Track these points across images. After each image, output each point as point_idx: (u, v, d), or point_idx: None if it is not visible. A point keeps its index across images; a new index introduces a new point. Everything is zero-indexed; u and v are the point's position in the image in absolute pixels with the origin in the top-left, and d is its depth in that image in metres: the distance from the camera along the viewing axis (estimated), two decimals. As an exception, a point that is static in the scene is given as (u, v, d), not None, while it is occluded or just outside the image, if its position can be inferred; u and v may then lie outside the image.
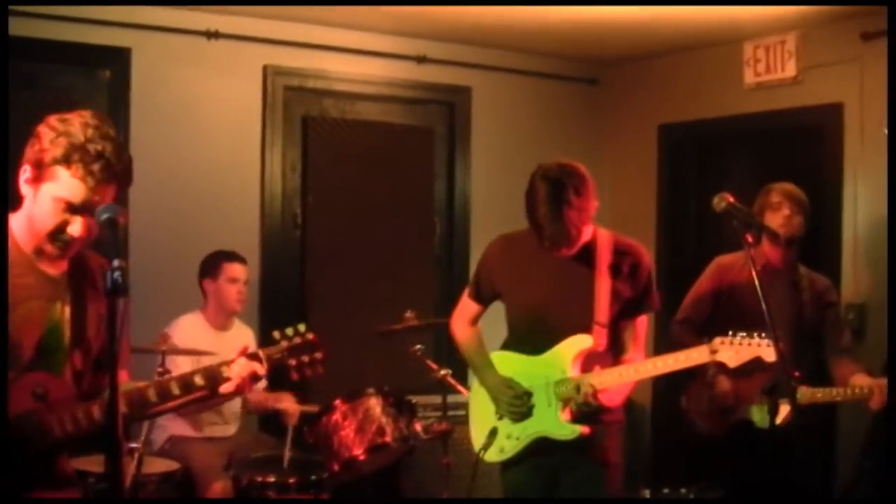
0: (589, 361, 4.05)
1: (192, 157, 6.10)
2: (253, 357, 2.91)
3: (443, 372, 5.16)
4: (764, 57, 6.34)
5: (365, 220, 6.64)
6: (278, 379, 3.04)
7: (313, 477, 4.95)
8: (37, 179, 2.65)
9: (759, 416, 4.68)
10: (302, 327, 3.02)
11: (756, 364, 4.52)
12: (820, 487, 5.62)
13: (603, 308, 4.02)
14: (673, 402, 5.27)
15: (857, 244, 5.96)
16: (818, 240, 5.99)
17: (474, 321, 4.39)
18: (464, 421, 5.65)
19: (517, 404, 4.08)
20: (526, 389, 4.09)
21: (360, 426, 4.90)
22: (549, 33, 6.55)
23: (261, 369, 2.89)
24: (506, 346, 4.29)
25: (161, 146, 5.95)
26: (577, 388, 3.94)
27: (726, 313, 4.76)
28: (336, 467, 4.89)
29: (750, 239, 4.23)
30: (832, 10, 5.73)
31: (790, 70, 6.21)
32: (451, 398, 5.27)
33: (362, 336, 5.80)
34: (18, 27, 5.60)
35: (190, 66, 6.16)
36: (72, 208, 2.62)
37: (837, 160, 6.03)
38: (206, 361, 5.19)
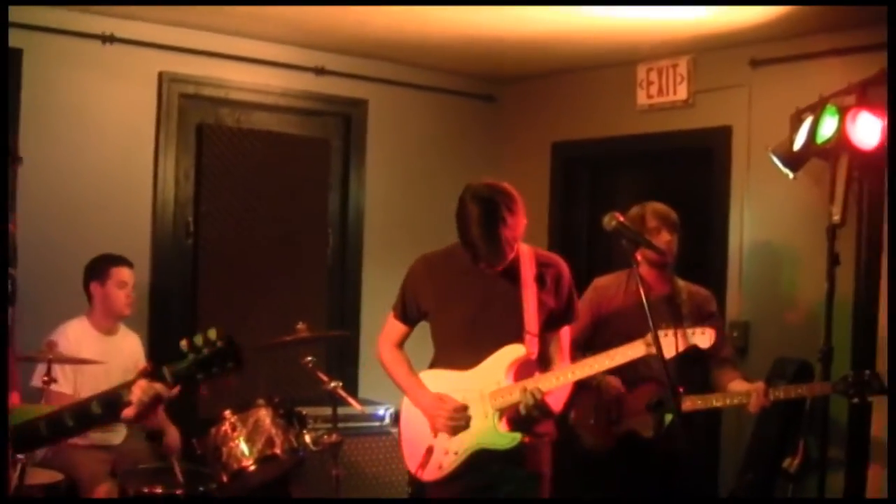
0: (522, 371, 4.08)
1: (84, 162, 6.01)
2: (155, 376, 2.66)
3: (333, 384, 5.15)
4: (657, 79, 6.48)
5: (258, 231, 6.61)
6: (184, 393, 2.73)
7: (202, 488, 4.90)
8: None
9: (643, 427, 4.77)
10: (213, 334, 2.72)
11: (639, 375, 4.66)
12: (704, 499, 5.74)
13: (532, 317, 4.07)
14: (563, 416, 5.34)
15: (742, 263, 6.12)
16: (704, 259, 6.15)
17: (401, 343, 4.38)
18: (354, 433, 5.71)
19: (456, 417, 4.09)
20: (461, 403, 4.10)
21: (250, 437, 4.87)
22: (448, 49, 6.61)
23: (165, 390, 2.64)
24: (433, 365, 4.28)
25: (52, 150, 5.85)
26: (523, 393, 3.96)
27: (605, 334, 4.82)
28: (225, 478, 4.85)
29: (639, 258, 4.32)
30: (724, 37, 5.88)
31: (682, 93, 6.36)
32: (341, 410, 5.27)
33: (253, 347, 5.74)
34: None
35: (84, 69, 6.06)
36: None
37: (725, 182, 6.19)
38: (92, 370, 5.17)
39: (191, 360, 2.67)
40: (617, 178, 7.16)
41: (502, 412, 4.05)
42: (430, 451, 4.15)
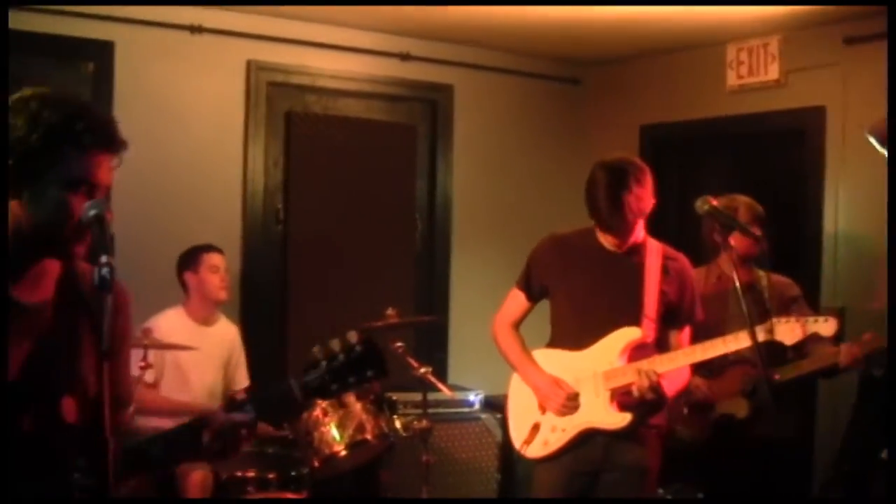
0: (637, 353, 4.08)
1: (175, 151, 6.08)
2: (233, 408, 2.43)
3: (423, 370, 5.16)
4: (747, 59, 6.37)
5: (347, 216, 6.63)
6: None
7: (293, 473, 4.96)
8: (32, 175, 2.32)
9: (737, 408, 4.72)
10: (353, 337, 2.45)
11: (727, 360, 4.59)
12: (798, 488, 5.65)
13: (651, 303, 4.08)
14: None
15: (838, 247, 5.99)
16: (797, 243, 6.04)
17: (517, 323, 4.41)
18: (444, 419, 5.71)
19: (568, 405, 4.11)
20: (575, 391, 4.11)
21: (341, 422, 4.90)
22: (533, 33, 6.57)
23: (244, 420, 2.41)
24: (550, 344, 4.32)
25: (143, 140, 5.88)
26: (638, 374, 3.95)
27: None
28: (317, 463, 4.89)
29: (732, 242, 4.26)
30: (816, 14, 5.76)
31: (773, 73, 6.24)
32: (431, 396, 5.27)
33: (343, 333, 5.78)
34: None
35: (173, 60, 6.14)
36: (92, 190, 2.32)
37: (819, 163, 6.07)
38: (188, 356, 5.24)
39: (324, 369, 2.42)
40: (707, 161, 7.05)
41: (614, 392, 4.06)
42: (536, 427, 4.18)
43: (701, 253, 5.23)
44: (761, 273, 4.87)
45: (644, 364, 4.00)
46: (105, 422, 2.13)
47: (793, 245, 5.88)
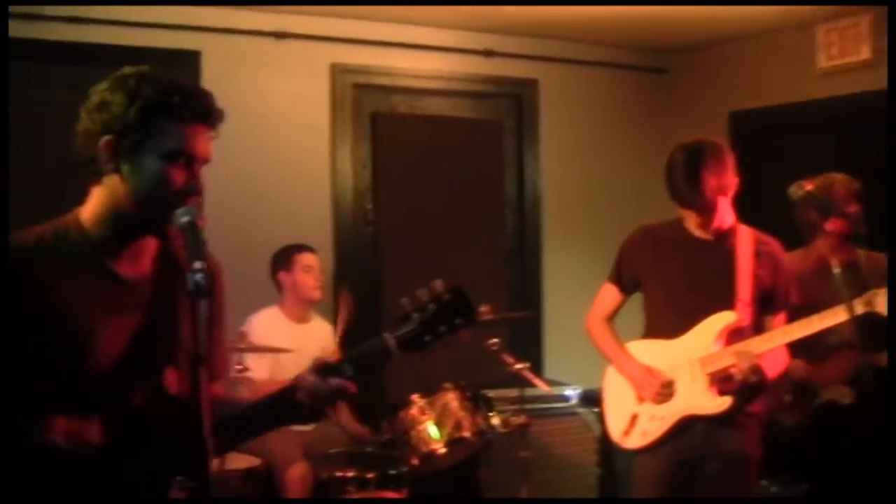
0: (732, 338, 4.05)
1: (264, 157, 6.14)
2: (327, 371, 2.44)
3: (519, 365, 5.14)
4: (837, 40, 6.24)
5: (436, 215, 6.65)
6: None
7: (392, 472, 4.97)
8: (132, 147, 2.34)
9: (840, 394, 4.62)
10: (438, 285, 2.45)
11: (829, 345, 4.50)
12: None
13: (745, 287, 4.05)
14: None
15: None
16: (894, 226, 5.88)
17: (611, 317, 4.42)
18: (541, 414, 5.68)
19: (664, 394, 4.10)
20: (669, 378, 4.10)
21: (439, 420, 4.90)
22: (616, 23, 6.51)
23: (339, 386, 2.42)
24: (645, 335, 4.32)
25: (232, 147, 5.96)
26: (737, 356, 3.92)
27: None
28: (415, 461, 4.90)
29: (829, 227, 4.17)
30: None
31: (865, 53, 6.11)
32: (527, 392, 5.25)
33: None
34: (86, 34, 5.71)
35: (259, 66, 6.20)
36: (189, 161, 2.35)
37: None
38: (284, 358, 5.29)
39: (416, 321, 2.40)
40: (800, 146, 6.92)
41: (712, 377, 4.02)
42: (634, 418, 4.17)
43: (795, 238, 5.13)
44: (860, 251, 4.77)
45: (741, 346, 3.95)
46: (203, 422, 2.14)
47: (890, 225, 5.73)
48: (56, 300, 2.30)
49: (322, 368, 2.46)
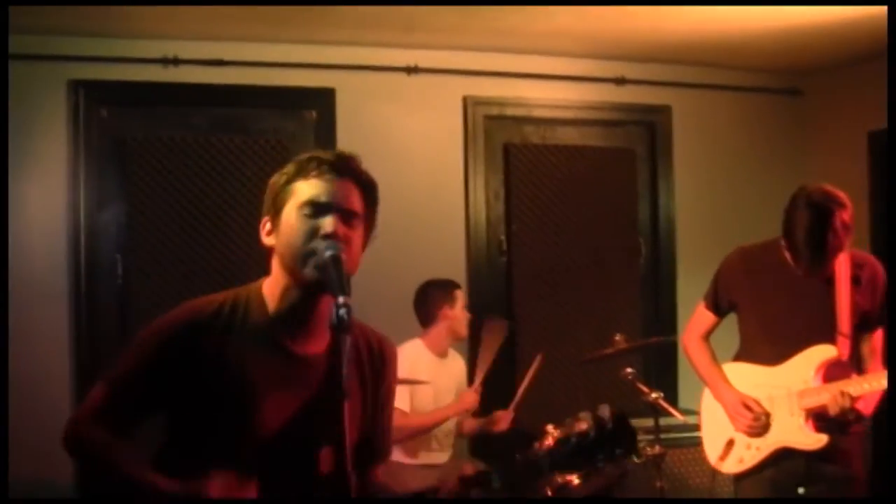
0: (831, 372, 4.03)
1: (398, 190, 6.20)
2: (475, 483, 2.48)
3: (654, 395, 5.10)
4: (980, 51, 6.04)
5: (569, 244, 6.64)
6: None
7: None
8: (276, 217, 2.44)
9: None
10: (605, 411, 2.40)
11: None
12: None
13: (845, 318, 4.02)
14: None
15: None
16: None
17: (707, 335, 4.44)
18: (676, 444, 5.61)
19: (755, 426, 4.10)
20: (765, 410, 4.10)
21: (574, 451, 4.88)
22: (749, 46, 6.43)
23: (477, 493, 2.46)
24: (739, 357, 4.32)
25: (367, 181, 6.09)
26: (834, 395, 3.89)
27: None
28: (550, 492, 4.88)
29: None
30: None
31: None
32: (663, 421, 5.20)
33: (572, 361, 5.79)
34: (227, 76, 5.89)
35: (391, 101, 6.32)
36: (318, 208, 2.39)
37: None
38: (424, 390, 5.34)
39: (573, 446, 2.37)
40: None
41: (809, 412, 4.00)
42: (730, 443, 4.18)
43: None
44: None
45: (840, 385, 3.92)
46: (347, 466, 2.19)
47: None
48: (226, 372, 2.36)
49: (468, 480, 2.47)
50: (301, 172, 2.42)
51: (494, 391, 5.77)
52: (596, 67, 6.75)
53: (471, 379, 5.63)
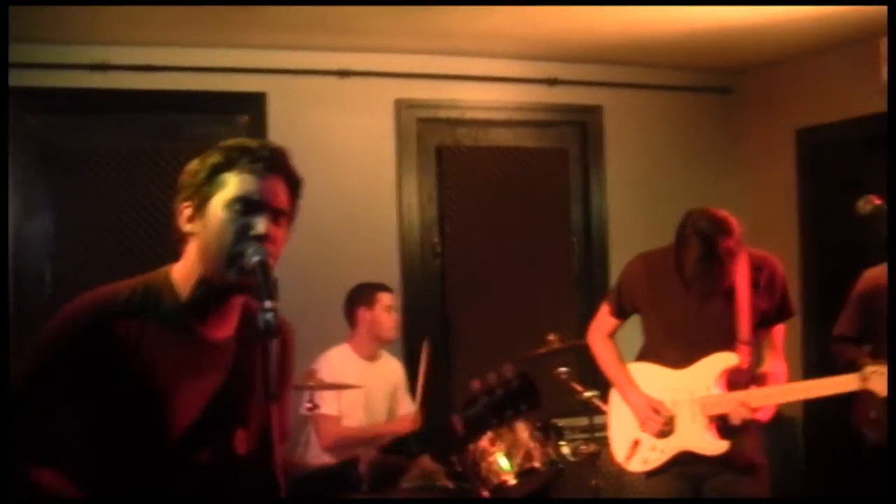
0: (733, 379, 4.12)
1: (330, 193, 6.21)
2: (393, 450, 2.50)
3: (588, 394, 5.15)
4: (901, 52, 6.15)
5: (503, 245, 6.67)
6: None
7: (464, 504, 4.99)
8: (200, 205, 2.39)
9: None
10: (508, 370, 2.54)
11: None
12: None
13: (745, 325, 4.10)
14: (826, 411, 5.15)
15: None
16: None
17: (612, 334, 4.51)
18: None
19: (665, 431, 4.17)
20: (671, 413, 4.16)
21: (509, 451, 4.91)
22: (679, 45, 6.49)
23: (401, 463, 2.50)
24: (643, 356, 4.38)
25: (299, 185, 6.06)
26: (735, 406, 4.01)
27: (878, 323, 4.68)
28: (486, 493, 4.91)
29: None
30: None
31: (931, 63, 6.00)
32: (597, 419, 5.24)
33: (506, 361, 5.80)
34: (156, 81, 5.85)
35: (323, 105, 6.30)
36: (249, 206, 2.35)
37: None
38: (353, 395, 5.34)
39: (483, 404, 2.48)
40: (868, 160, 6.82)
41: (711, 419, 4.09)
42: (636, 443, 4.25)
43: (868, 257, 5.07)
44: None
45: (741, 396, 4.03)
46: (273, 457, 2.20)
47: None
48: (140, 359, 2.34)
49: (388, 446, 2.51)
50: (231, 164, 2.38)
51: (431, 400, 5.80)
52: (528, 68, 6.78)
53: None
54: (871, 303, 4.80)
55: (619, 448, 4.35)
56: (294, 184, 2.48)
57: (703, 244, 3.95)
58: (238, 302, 2.44)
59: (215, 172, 2.38)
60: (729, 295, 4.10)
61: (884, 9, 5.72)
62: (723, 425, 4.08)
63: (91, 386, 2.32)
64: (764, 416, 4.11)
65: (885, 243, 4.41)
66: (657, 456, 4.20)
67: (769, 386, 4.14)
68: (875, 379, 3.87)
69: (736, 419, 4.01)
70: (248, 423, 2.44)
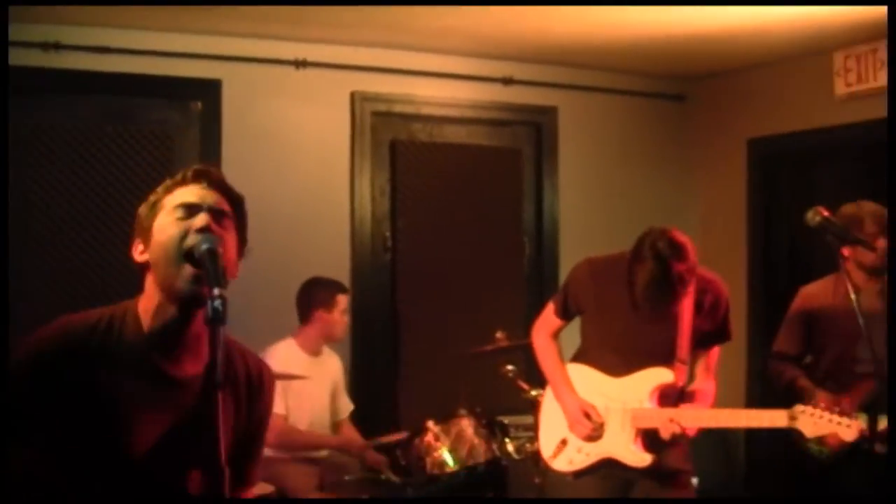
0: (665, 395, 4.19)
1: (283, 184, 6.18)
2: None
3: (534, 392, 5.15)
4: (855, 66, 6.23)
5: (454, 242, 6.67)
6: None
7: (407, 498, 4.98)
8: (146, 233, 2.41)
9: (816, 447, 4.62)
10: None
11: (856, 374, 4.50)
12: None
13: (684, 345, 4.17)
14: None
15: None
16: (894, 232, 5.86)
17: (556, 334, 4.53)
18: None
19: (593, 437, 4.21)
20: (601, 420, 4.20)
21: (453, 447, 4.92)
22: (635, 51, 6.53)
23: None
24: (579, 357, 4.40)
25: (251, 175, 6.02)
26: (665, 423, 4.07)
27: (817, 341, 4.74)
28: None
29: (846, 253, 4.15)
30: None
31: (882, 79, 6.09)
32: (543, 418, 5.25)
33: (453, 358, 5.82)
34: (112, 63, 5.78)
35: (279, 95, 6.26)
36: (190, 209, 2.38)
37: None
38: (299, 387, 5.32)
39: (443, 485, 2.43)
40: (817, 172, 6.91)
41: (639, 431, 4.15)
42: (563, 443, 4.28)
43: (815, 269, 5.12)
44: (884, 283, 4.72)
45: (671, 413, 4.09)
46: (220, 455, 2.16)
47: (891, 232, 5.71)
48: (101, 392, 2.32)
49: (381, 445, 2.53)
50: (167, 189, 2.44)
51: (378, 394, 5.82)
52: (484, 67, 6.78)
53: None
54: (810, 320, 4.83)
55: (546, 445, 4.37)
56: (232, 196, 2.51)
57: (658, 267, 3.95)
58: (204, 335, 2.39)
59: (155, 203, 2.43)
60: (672, 312, 4.14)
61: (837, 23, 5.82)
62: (649, 439, 4.14)
63: (51, 414, 2.30)
64: (691, 431, 4.15)
65: (832, 255, 4.45)
66: (582, 458, 4.23)
67: (698, 404, 4.21)
68: (803, 420, 3.93)
69: (665, 434, 4.06)
70: (205, 464, 2.36)
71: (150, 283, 2.40)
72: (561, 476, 4.33)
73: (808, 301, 4.87)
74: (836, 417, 3.89)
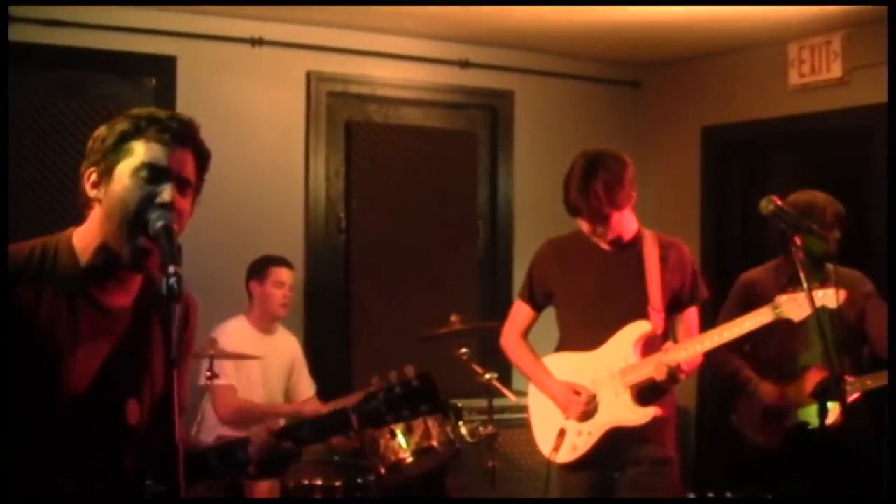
0: (648, 346, 4.14)
1: (237, 163, 6.12)
2: (284, 436, 2.47)
3: (488, 376, 5.17)
4: (809, 58, 6.30)
5: (408, 224, 6.66)
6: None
7: (359, 480, 4.98)
8: (106, 171, 2.35)
9: (811, 416, 4.63)
10: (410, 371, 2.50)
11: (800, 364, 4.55)
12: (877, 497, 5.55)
13: (656, 294, 4.14)
14: (718, 407, 5.24)
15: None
16: (863, 242, 5.94)
17: (526, 332, 4.47)
18: (509, 424, 5.69)
19: (589, 411, 4.16)
20: (591, 393, 4.16)
21: (407, 429, 4.91)
22: (591, 37, 6.55)
23: (291, 449, 2.46)
24: (559, 348, 4.38)
25: (206, 152, 5.98)
26: (658, 367, 4.01)
27: (759, 331, 4.77)
28: (382, 471, 4.91)
29: (798, 242, 4.19)
30: (878, 11, 5.68)
31: (836, 71, 6.16)
32: (496, 402, 5.28)
33: (407, 340, 5.82)
34: (65, 37, 5.70)
35: (234, 73, 6.21)
36: (156, 173, 2.33)
37: (885, 161, 5.96)
38: (252, 365, 5.30)
39: (381, 401, 2.46)
40: (770, 161, 6.98)
41: (634, 388, 4.11)
42: (562, 433, 4.21)
43: (766, 256, 5.17)
44: (830, 268, 4.76)
45: (660, 356, 4.04)
46: (174, 427, 2.17)
47: (858, 244, 5.78)
48: (36, 322, 2.31)
49: (280, 431, 2.50)
50: (139, 132, 2.38)
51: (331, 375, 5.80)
52: (441, 49, 6.77)
53: None
54: (751, 307, 4.86)
55: (544, 442, 4.29)
56: (202, 157, 2.47)
57: (584, 163, 4.07)
58: (138, 275, 2.42)
59: (123, 140, 2.37)
60: (638, 267, 4.15)
61: (792, 16, 5.88)
62: (644, 393, 4.10)
63: None
64: (687, 366, 4.10)
65: (783, 244, 4.49)
66: (585, 440, 4.18)
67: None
68: (788, 307, 3.94)
69: (660, 376, 4.01)
70: (140, 393, 2.42)
71: (94, 220, 2.38)
72: (536, 462, 4.32)
73: (750, 287, 4.91)
74: (815, 292, 3.84)
